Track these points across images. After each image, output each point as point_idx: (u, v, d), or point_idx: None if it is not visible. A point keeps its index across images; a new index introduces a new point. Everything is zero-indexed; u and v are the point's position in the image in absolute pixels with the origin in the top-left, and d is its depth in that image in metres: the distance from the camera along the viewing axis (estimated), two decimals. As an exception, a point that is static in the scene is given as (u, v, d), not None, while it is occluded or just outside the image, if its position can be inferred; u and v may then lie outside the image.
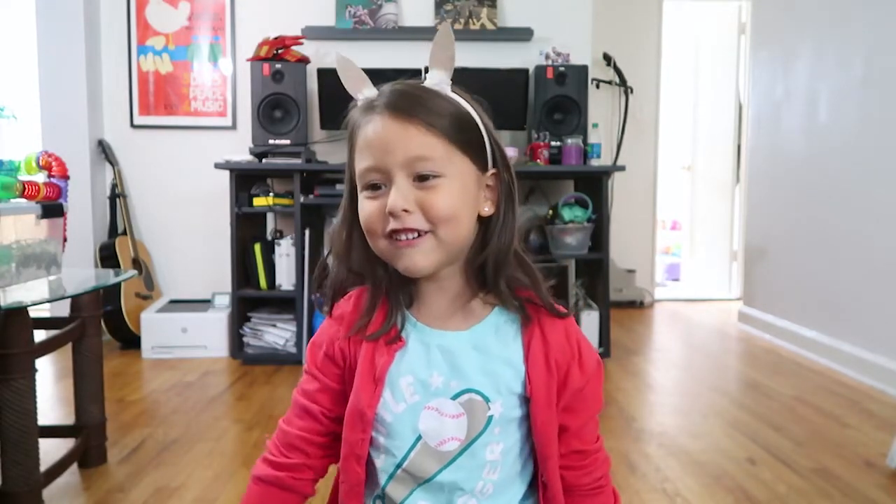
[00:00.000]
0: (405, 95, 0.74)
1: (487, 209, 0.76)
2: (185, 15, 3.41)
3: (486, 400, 0.74)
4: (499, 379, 0.75)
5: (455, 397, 0.74)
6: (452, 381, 0.74)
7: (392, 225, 0.71)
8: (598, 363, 0.83)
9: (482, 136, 0.75)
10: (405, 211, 0.70)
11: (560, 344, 0.78)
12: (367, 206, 0.74)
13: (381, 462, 0.77)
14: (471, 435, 0.75)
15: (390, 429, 0.75)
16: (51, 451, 1.71)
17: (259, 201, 3.05)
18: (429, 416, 0.74)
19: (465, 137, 0.74)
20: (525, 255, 0.79)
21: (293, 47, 3.15)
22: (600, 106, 4.27)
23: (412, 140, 0.71)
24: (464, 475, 0.75)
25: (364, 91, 0.78)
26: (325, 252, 0.85)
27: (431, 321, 0.77)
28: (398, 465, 0.76)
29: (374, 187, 0.73)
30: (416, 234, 0.71)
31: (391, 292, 0.77)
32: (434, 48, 0.76)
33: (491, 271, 0.75)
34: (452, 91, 0.76)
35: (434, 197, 0.71)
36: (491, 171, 0.76)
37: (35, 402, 1.53)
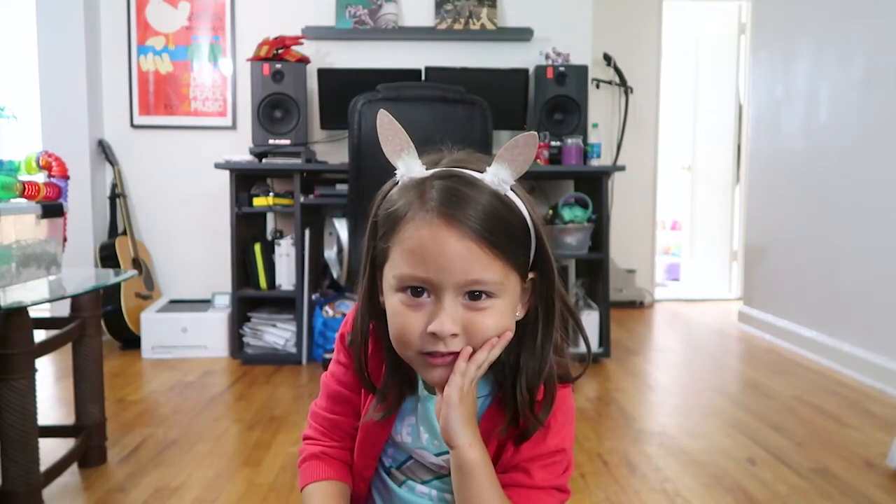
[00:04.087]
0: (464, 201, 0.66)
1: (519, 314, 0.73)
2: (185, 15, 3.41)
3: None
4: None
5: (438, 455, 0.79)
6: (434, 440, 0.78)
7: (434, 347, 0.67)
8: (553, 451, 0.75)
9: (531, 242, 0.71)
10: (452, 335, 0.67)
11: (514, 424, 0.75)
12: (403, 316, 0.68)
13: (387, 460, 0.84)
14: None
15: (394, 444, 0.83)
16: (51, 451, 1.71)
17: (259, 201, 3.05)
18: (418, 455, 0.81)
19: (519, 252, 0.69)
20: (562, 343, 0.75)
21: (293, 47, 3.15)
22: (600, 106, 4.27)
23: (473, 262, 0.65)
24: (450, 486, 0.79)
25: (404, 158, 0.71)
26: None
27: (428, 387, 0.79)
28: (399, 465, 0.84)
29: (413, 292, 0.68)
30: (453, 359, 0.68)
31: (407, 375, 0.77)
32: (512, 145, 0.68)
33: (524, 391, 0.72)
34: (511, 189, 0.70)
35: (482, 320, 0.67)
36: (530, 275, 0.72)
37: (35, 402, 1.53)
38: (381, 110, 0.72)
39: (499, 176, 0.68)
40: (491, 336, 0.68)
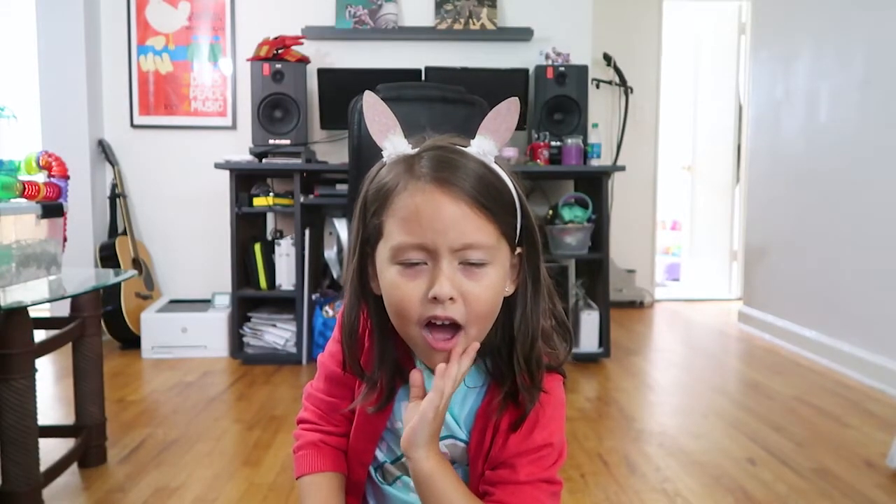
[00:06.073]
0: (454, 167, 0.68)
1: (508, 289, 0.73)
2: (185, 15, 3.41)
3: (466, 443, 0.78)
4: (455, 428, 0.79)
5: (441, 440, 0.78)
6: None
7: (433, 311, 0.67)
8: (539, 447, 0.75)
9: (517, 214, 0.72)
10: (451, 299, 0.67)
11: (510, 414, 0.76)
12: (401, 287, 0.68)
13: (381, 454, 0.83)
14: (454, 461, 0.79)
15: (390, 435, 0.81)
16: (51, 451, 1.71)
17: (259, 201, 3.05)
18: None
19: (508, 220, 0.70)
20: (551, 331, 0.76)
21: (293, 47, 3.15)
22: (600, 106, 4.27)
23: (468, 223, 0.66)
24: None
25: (391, 137, 0.72)
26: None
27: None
28: (395, 460, 0.82)
29: (411, 264, 0.68)
30: (451, 334, 0.69)
31: (391, 362, 0.77)
32: (494, 115, 0.71)
33: (521, 361, 0.73)
34: (495, 162, 0.71)
35: (479, 288, 0.68)
36: (517, 250, 0.73)
37: (35, 402, 1.53)
38: (367, 91, 0.73)
39: (483, 147, 0.70)
40: (485, 309, 0.69)
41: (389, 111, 0.72)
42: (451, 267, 0.67)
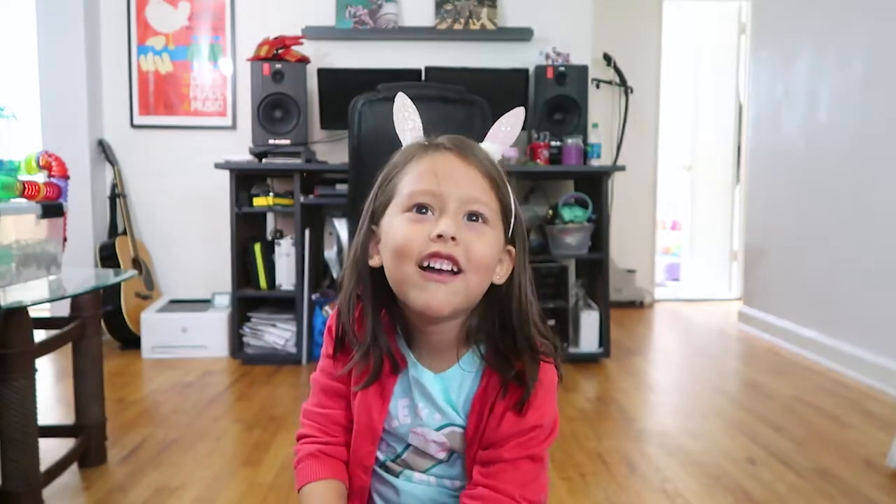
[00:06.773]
0: (470, 145, 0.78)
1: (498, 279, 0.77)
2: (185, 15, 3.41)
3: (464, 428, 0.80)
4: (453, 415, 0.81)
5: (439, 429, 0.80)
6: (436, 413, 0.80)
7: (434, 248, 0.71)
8: (531, 427, 0.78)
9: (511, 210, 0.78)
10: (453, 239, 0.71)
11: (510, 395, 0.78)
12: (408, 228, 0.73)
13: (382, 454, 0.85)
14: (453, 450, 0.82)
15: (388, 435, 0.84)
16: (51, 451, 1.71)
17: (259, 201, 3.05)
18: (416, 437, 0.82)
19: (506, 204, 0.77)
20: (543, 326, 0.81)
21: (293, 47, 3.15)
22: (600, 106, 4.27)
23: (477, 185, 0.75)
24: (449, 472, 0.83)
25: (411, 132, 0.81)
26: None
27: (419, 357, 0.81)
28: (395, 457, 0.84)
29: (420, 212, 0.74)
30: (450, 271, 0.72)
31: (383, 340, 0.79)
32: (502, 122, 0.81)
33: (522, 339, 0.77)
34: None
35: (478, 240, 0.73)
36: (507, 246, 0.78)
37: (35, 402, 1.53)
38: (401, 93, 0.82)
39: (489, 150, 0.79)
40: (483, 260, 0.73)
41: (417, 114, 0.80)
42: (456, 216, 0.73)
